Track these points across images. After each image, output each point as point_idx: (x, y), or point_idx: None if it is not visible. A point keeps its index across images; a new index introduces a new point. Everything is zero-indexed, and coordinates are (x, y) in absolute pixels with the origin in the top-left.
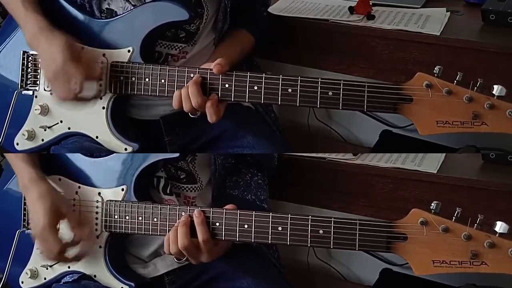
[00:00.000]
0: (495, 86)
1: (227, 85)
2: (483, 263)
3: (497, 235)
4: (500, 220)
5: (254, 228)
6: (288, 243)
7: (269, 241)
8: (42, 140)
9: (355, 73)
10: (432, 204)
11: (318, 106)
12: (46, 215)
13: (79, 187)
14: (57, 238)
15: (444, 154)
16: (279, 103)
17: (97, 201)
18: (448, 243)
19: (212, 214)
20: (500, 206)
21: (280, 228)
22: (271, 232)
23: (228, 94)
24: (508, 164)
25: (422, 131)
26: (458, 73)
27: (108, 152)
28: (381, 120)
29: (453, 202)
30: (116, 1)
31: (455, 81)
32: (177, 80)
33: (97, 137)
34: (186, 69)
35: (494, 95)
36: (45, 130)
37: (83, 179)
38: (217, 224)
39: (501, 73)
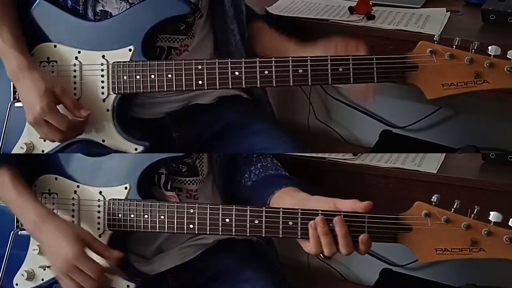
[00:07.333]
0: (490, 47)
1: (237, 73)
2: (481, 249)
3: (491, 224)
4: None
5: (264, 223)
6: (299, 236)
7: (280, 236)
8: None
9: None
10: (433, 197)
11: (330, 83)
12: (45, 97)
13: (78, 186)
14: (61, 115)
15: (444, 154)
16: (291, 84)
17: (99, 200)
18: (449, 232)
19: (221, 210)
20: (500, 206)
21: (291, 223)
22: (281, 226)
23: (239, 82)
24: (508, 164)
25: (429, 95)
26: (456, 39)
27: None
28: (381, 120)
29: (453, 202)
30: (111, 2)
31: (454, 46)
32: (184, 73)
33: (103, 140)
34: (193, 61)
35: (490, 55)
36: (44, 141)
37: (82, 178)
38: (227, 220)
39: None
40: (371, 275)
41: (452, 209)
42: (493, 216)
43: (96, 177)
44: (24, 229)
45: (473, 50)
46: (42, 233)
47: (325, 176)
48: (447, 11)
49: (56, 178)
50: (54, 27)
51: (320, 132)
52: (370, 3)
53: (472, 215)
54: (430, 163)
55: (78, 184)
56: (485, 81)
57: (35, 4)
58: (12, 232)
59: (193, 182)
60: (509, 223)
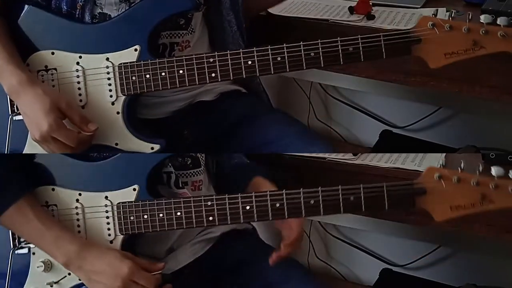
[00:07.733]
0: (481, 16)
1: (250, 62)
2: (490, 202)
3: (496, 178)
4: (502, 218)
5: (286, 206)
6: (322, 214)
7: (303, 215)
8: None
9: (356, 73)
10: (440, 161)
11: (342, 63)
12: (51, 113)
13: (79, 194)
14: (69, 131)
15: (444, 154)
16: (304, 67)
17: (106, 205)
18: (461, 190)
19: (241, 199)
20: None
21: (312, 202)
22: (304, 206)
23: (253, 70)
24: (508, 164)
25: (433, 65)
26: (453, 11)
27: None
28: (381, 120)
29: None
30: (109, 4)
31: (450, 18)
32: (196, 67)
33: (116, 144)
34: (204, 55)
35: (483, 23)
36: None
37: (84, 185)
38: (247, 207)
39: (502, 73)
40: (371, 275)
41: (459, 168)
42: (495, 170)
43: (98, 182)
44: (21, 247)
45: (468, 20)
46: (86, 263)
47: (325, 176)
48: (447, 11)
49: (53, 189)
50: (48, 33)
51: (320, 132)
52: (370, 3)
53: (478, 172)
54: (430, 163)
55: (80, 192)
56: (481, 47)
57: (24, 12)
58: (10, 251)
59: (197, 173)
60: (509, 175)
